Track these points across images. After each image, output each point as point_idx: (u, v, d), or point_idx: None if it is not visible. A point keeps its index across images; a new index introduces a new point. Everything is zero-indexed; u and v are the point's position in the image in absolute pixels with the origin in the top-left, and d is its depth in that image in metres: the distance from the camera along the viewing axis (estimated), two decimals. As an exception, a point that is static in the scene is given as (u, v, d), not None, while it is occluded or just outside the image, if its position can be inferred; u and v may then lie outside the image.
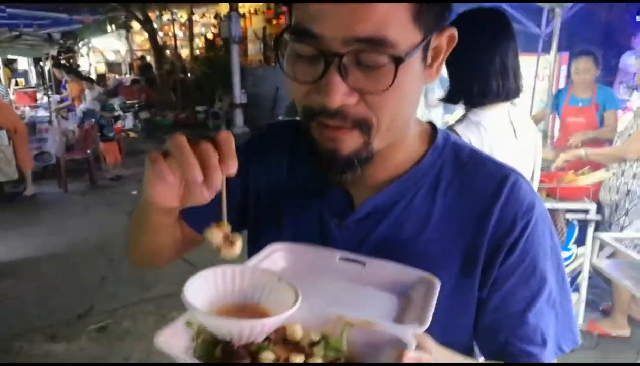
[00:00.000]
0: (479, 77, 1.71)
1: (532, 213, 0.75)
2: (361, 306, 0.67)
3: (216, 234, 0.63)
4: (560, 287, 0.79)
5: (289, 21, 0.70)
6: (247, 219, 0.92)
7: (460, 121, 1.78)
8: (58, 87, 10.09)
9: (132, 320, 3.69)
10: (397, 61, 0.62)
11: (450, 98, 1.80)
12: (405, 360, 0.53)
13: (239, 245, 0.64)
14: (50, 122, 7.97)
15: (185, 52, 17.11)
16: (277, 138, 0.91)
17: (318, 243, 0.78)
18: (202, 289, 0.59)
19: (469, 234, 0.75)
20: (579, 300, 3.29)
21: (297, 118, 0.77)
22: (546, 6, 4.22)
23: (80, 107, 8.74)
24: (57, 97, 9.47)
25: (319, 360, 0.55)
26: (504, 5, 5.74)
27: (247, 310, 0.61)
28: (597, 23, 8.32)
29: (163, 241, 0.85)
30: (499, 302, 0.75)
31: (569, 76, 4.80)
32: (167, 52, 16.56)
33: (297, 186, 0.86)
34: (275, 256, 0.75)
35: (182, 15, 16.63)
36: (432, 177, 0.78)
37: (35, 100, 9.73)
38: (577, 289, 3.29)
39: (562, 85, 5.43)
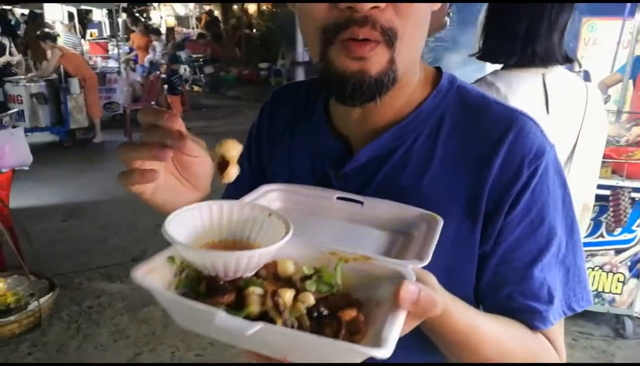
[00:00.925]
0: (504, 33, 1.51)
1: (542, 159, 0.69)
2: (359, 244, 0.63)
3: (233, 147, 0.60)
4: (572, 242, 0.73)
5: None
6: None
7: (476, 81, 1.59)
8: (129, 39, 10.42)
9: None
10: None
11: (484, 54, 1.61)
12: (403, 292, 0.47)
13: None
14: (119, 73, 8.28)
15: (252, 7, 17.11)
16: (287, 97, 0.90)
17: None
18: (187, 225, 0.55)
19: (471, 180, 0.70)
20: (637, 286, 3.08)
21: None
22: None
23: (148, 57, 9.03)
24: (127, 48, 9.80)
25: (310, 296, 0.50)
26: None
27: (236, 247, 0.57)
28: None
29: None
30: (503, 255, 0.70)
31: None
32: (235, 7, 16.62)
33: (297, 142, 0.84)
34: (270, 196, 0.72)
35: (250, -31, 16.54)
36: (434, 122, 0.74)
37: (107, 51, 10.11)
38: (637, 275, 3.07)
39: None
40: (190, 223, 0.56)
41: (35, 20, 10.44)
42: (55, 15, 9.95)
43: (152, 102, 7.95)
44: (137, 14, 14.38)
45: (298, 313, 0.48)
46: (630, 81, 4.17)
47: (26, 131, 5.05)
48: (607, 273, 3.09)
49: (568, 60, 1.56)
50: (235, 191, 0.75)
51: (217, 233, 0.58)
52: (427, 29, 0.69)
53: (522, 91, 1.51)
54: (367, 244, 0.64)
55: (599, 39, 6.51)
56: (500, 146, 0.69)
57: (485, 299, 0.73)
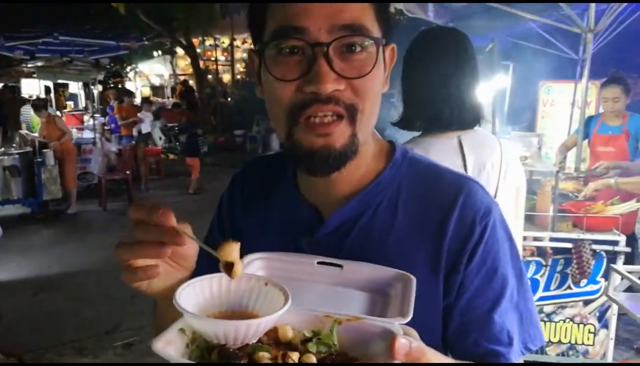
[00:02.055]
0: (429, 102, 1.55)
1: (490, 216, 0.79)
2: (344, 306, 0.69)
3: (233, 249, 0.62)
4: (522, 288, 0.81)
5: (259, 35, 0.76)
6: None
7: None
8: (105, 110, 10.58)
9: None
10: (377, 41, 0.72)
11: (401, 123, 1.65)
12: (397, 345, 0.55)
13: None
14: (94, 143, 8.36)
15: (226, 77, 17.64)
16: (256, 170, 0.98)
17: None
18: (192, 298, 0.60)
19: (431, 240, 0.78)
20: (608, 337, 3.15)
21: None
22: (577, 30, 4.14)
23: (140, 127, 9.24)
24: (102, 119, 9.92)
25: (313, 357, 0.56)
26: (540, 30, 5.69)
27: (235, 317, 0.61)
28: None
29: None
30: (465, 305, 0.78)
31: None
32: (209, 76, 17.12)
33: (268, 210, 0.91)
34: (254, 265, 0.76)
35: (224, 40, 17.22)
36: (393, 190, 0.82)
37: (82, 122, 10.22)
38: (606, 326, 3.15)
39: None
40: (193, 296, 0.61)
41: (14, 93, 10.58)
42: (31, 90, 10.11)
43: (127, 172, 7.99)
44: (112, 85, 14.67)
45: None
46: (585, 142, 4.43)
47: (-2, 204, 5.00)
48: (578, 324, 3.17)
49: (478, 121, 1.62)
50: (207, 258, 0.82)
51: (217, 305, 0.63)
52: (379, 105, 0.79)
53: (439, 154, 1.54)
54: (349, 305, 0.70)
55: (555, 100, 6.94)
56: (453, 209, 0.78)
57: (453, 345, 0.80)
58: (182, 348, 0.57)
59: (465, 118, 1.59)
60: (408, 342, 0.56)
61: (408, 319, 0.63)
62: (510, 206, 1.66)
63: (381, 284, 0.73)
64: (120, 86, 14.69)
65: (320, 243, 0.81)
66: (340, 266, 0.75)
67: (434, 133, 1.62)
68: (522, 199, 1.75)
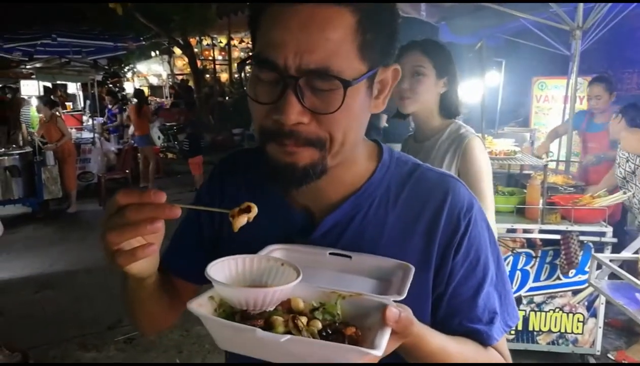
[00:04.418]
0: None
1: (472, 211, 0.86)
2: (351, 289, 0.78)
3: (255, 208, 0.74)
4: (500, 272, 0.89)
5: (253, 48, 0.81)
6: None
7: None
8: (103, 110, 10.64)
9: (158, 333, 3.86)
10: (345, 84, 0.71)
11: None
12: (388, 312, 0.64)
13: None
14: (93, 143, 8.42)
15: (224, 76, 17.70)
16: (237, 168, 0.98)
17: None
18: (220, 272, 0.71)
19: (422, 238, 0.85)
20: (596, 325, 3.24)
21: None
22: (567, 28, 4.22)
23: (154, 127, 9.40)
24: (101, 119, 9.99)
25: (319, 322, 0.66)
26: (532, 27, 5.77)
27: None
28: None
29: (151, 305, 0.93)
30: (452, 292, 0.85)
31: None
32: (207, 76, 17.18)
33: (260, 211, 0.91)
34: (275, 254, 0.85)
35: (221, 40, 17.27)
36: (383, 190, 0.88)
37: (81, 122, 10.28)
38: (594, 315, 3.24)
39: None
40: (222, 271, 0.72)
41: (15, 95, 10.63)
42: (30, 91, 10.17)
43: (127, 171, 8.07)
44: (110, 86, 14.73)
45: (312, 331, 0.65)
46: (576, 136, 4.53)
47: (-1, 203, 5.06)
48: (568, 314, 3.26)
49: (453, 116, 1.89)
50: (181, 240, 0.95)
51: (241, 280, 0.74)
52: (363, 121, 0.81)
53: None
54: (356, 288, 0.79)
55: (549, 95, 7.04)
56: (443, 208, 0.85)
57: (440, 329, 0.86)
58: (211, 311, 0.69)
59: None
60: (398, 311, 0.65)
61: (403, 297, 0.72)
62: (474, 188, 1.80)
63: (384, 273, 0.82)
64: (117, 89, 14.77)
65: (314, 244, 0.86)
66: (349, 256, 0.83)
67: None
68: (490, 181, 1.90)
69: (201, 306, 0.68)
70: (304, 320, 0.66)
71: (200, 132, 8.88)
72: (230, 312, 0.69)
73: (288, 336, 0.60)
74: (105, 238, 0.67)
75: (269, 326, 0.65)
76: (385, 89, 0.82)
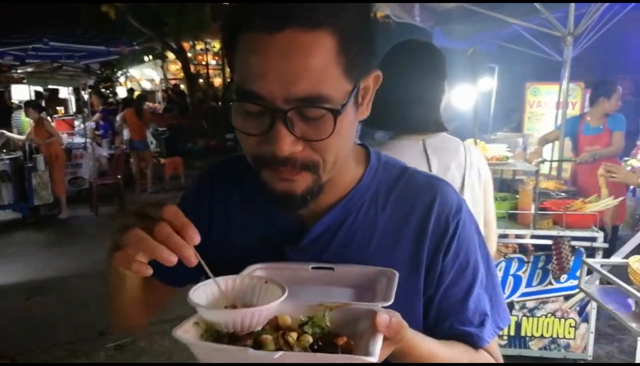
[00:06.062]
0: (391, 105, 1.61)
1: (461, 213, 0.86)
2: (336, 300, 0.78)
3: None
4: (490, 274, 0.89)
5: (231, 71, 0.78)
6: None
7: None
8: (94, 114, 10.58)
9: (149, 340, 3.82)
10: (335, 113, 0.69)
11: (367, 122, 1.80)
12: (379, 319, 0.64)
13: None
14: (84, 148, 8.37)
15: (217, 81, 17.68)
16: (229, 174, 0.97)
17: None
18: (203, 296, 0.69)
19: (412, 241, 0.84)
20: (588, 330, 3.25)
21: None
22: (558, 34, 4.25)
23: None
24: (92, 124, 9.93)
25: (309, 336, 0.65)
26: (525, 33, 5.81)
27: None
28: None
29: (130, 302, 0.92)
30: (442, 295, 0.85)
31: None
32: (200, 80, 17.16)
33: (249, 219, 0.93)
34: (256, 273, 0.84)
35: (214, 45, 17.26)
36: (372, 194, 0.87)
37: (73, 127, 10.22)
38: (586, 320, 3.25)
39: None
40: (205, 294, 0.70)
41: (4, 99, 10.57)
42: (22, 95, 10.10)
43: (119, 177, 8.02)
44: (102, 90, 14.66)
45: (304, 345, 0.64)
46: (568, 142, 4.56)
47: (-11, 209, 5.02)
48: (559, 319, 3.26)
49: (442, 128, 1.73)
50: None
51: (224, 301, 0.71)
52: (353, 134, 0.80)
53: (406, 156, 1.58)
54: (342, 299, 0.79)
55: (542, 101, 7.09)
56: (432, 210, 0.85)
57: (431, 333, 0.86)
58: (197, 337, 0.67)
59: (428, 123, 1.69)
60: (388, 316, 0.65)
61: (390, 302, 0.71)
62: (479, 201, 1.78)
63: (368, 281, 0.81)
64: (107, 91, 14.70)
65: (305, 251, 0.86)
66: (331, 268, 0.83)
67: (401, 136, 1.73)
68: (490, 193, 1.87)
69: (187, 332, 0.65)
70: (294, 335, 0.65)
71: (180, 136, 8.77)
72: (218, 336, 0.67)
73: (281, 353, 0.60)
74: (128, 234, 0.65)
75: (258, 346, 0.64)
76: (368, 95, 0.81)
